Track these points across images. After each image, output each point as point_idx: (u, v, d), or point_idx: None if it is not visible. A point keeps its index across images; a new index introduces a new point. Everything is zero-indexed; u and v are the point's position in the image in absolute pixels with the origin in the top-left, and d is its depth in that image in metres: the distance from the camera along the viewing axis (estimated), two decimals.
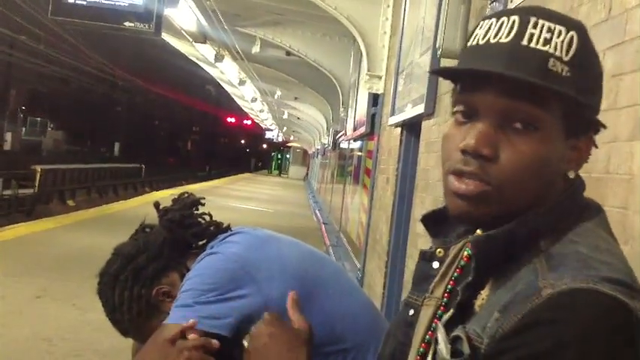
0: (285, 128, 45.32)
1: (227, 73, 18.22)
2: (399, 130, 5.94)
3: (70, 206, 19.52)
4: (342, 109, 14.11)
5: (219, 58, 14.46)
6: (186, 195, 1.83)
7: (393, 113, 6.06)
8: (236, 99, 31.36)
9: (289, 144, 58.86)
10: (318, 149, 32.07)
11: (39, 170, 20.01)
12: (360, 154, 10.85)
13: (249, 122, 63.94)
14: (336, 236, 12.39)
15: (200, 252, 1.69)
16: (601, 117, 2.16)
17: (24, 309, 5.53)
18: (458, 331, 0.88)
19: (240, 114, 56.84)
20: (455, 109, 0.94)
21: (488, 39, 0.91)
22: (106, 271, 1.70)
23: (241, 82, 19.73)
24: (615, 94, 1.99)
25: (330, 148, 20.46)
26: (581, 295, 0.81)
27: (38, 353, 4.50)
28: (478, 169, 0.89)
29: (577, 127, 0.93)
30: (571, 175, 0.95)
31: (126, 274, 1.67)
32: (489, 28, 0.92)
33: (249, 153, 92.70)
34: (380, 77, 7.35)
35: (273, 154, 66.26)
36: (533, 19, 0.89)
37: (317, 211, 19.08)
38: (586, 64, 0.91)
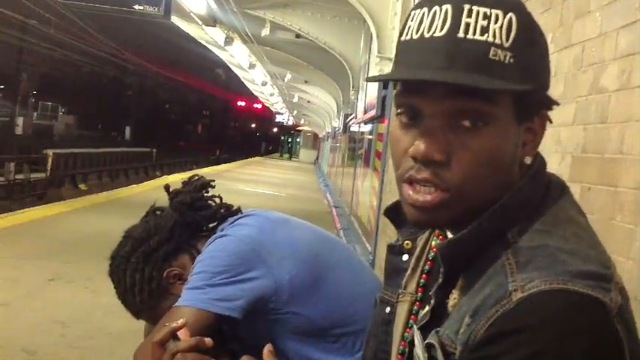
0: (295, 112, 45.28)
1: (237, 57, 18.21)
2: None
3: (81, 190, 19.63)
4: (352, 92, 14.07)
5: (228, 41, 14.45)
6: (196, 178, 1.83)
7: None
8: (246, 82, 31.34)
9: (299, 127, 58.82)
10: (328, 132, 32.03)
11: (51, 154, 20.12)
12: (370, 137, 10.82)
13: (259, 106, 63.94)
14: (347, 219, 12.39)
15: (211, 234, 1.69)
16: (614, 97, 2.14)
17: (37, 292, 5.57)
18: (431, 338, 0.87)
19: (251, 97, 56.86)
20: (398, 111, 0.90)
21: (422, 33, 0.85)
22: (118, 254, 1.70)
23: (251, 66, 19.72)
24: (629, 74, 1.97)
25: (340, 131, 20.43)
26: (553, 298, 0.78)
27: (51, 336, 4.53)
28: (432, 176, 0.85)
29: (529, 110, 0.89)
30: (527, 160, 0.91)
31: (137, 256, 1.67)
32: (421, 19, 0.86)
33: (260, 136, 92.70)
34: (391, 59, 7.30)
35: (283, 137, 66.28)
36: (466, 7, 0.84)
37: (327, 195, 19.08)
38: (529, 44, 0.86)
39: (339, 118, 21.36)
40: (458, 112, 0.85)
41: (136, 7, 10.07)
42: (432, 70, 0.84)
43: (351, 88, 14.16)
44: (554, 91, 2.57)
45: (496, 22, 0.84)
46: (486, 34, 0.83)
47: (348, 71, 13.22)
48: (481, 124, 0.85)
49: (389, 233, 6.55)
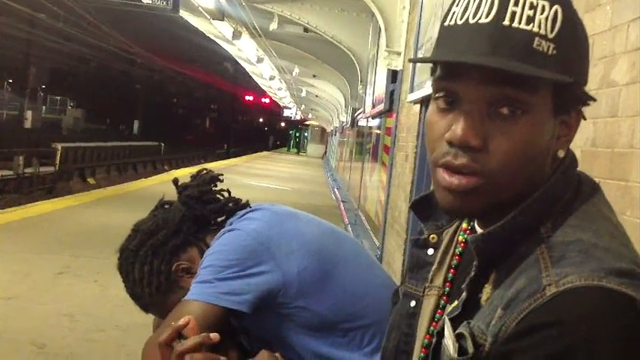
0: (303, 106, 45.26)
1: (245, 51, 18.20)
2: (418, 106, 5.90)
3: (90, 184, 19.68)
4: (360, 86, 14.05)
5: (237, 35, 14.45)
6: (204, 172, 1.83)
7: (412, 90, 6.02)
8: (254, 77, 31.34)
9: (307, 122, 58.80)
10: (336, 127, 32.01)
11: (59, 148, 20.18)
12: (378, 131, 10.80)
13: (267, 100, 63.89)
14: (355, 214, 12.39)
15: (219, 228, 1.69)
16: (624, 91, 2.13)
17: (46, 286, 5.60)
18: (462, 329, 0.87)
19: (259, 92, 56.81)
20: (436, 95, 0.90)
21: (467, 19, 0.86)
22: (126, 247, 1.71)
23: (259, 60, 19.71)
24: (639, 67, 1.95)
25: (348, 125, 20.40)
26: (587, 294, 0.78)
27: (60, 329, 4.55)
28: (469, 162, 0.85)
29: (566, 103, 0.89)
30: (561, 154, 0.91)
31: (146, 249, 1.67)
32: (467, 5, 0.87)
33: (268, 131, 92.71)
34: (399, 53, 7.29)
35: (291, 132, 66.28)
36: None
37: (335, 190, 19.08)
38: (572, 37, 0.87)
39: (347, 113, 21.34)
40: (497, 99, 0.85)
41: (145, 0, 10.08)
42: (475, 55, 0.84)
43: (359, 83, 14.13)
44: None
45: (542, 12, 0.84)
46: (532, 24, 0.84)
47: (356, 65, 13.19)
48: (520, 113, 0.85)
49: (397, 228, 6.54)
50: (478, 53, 0.84)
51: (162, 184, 12.81)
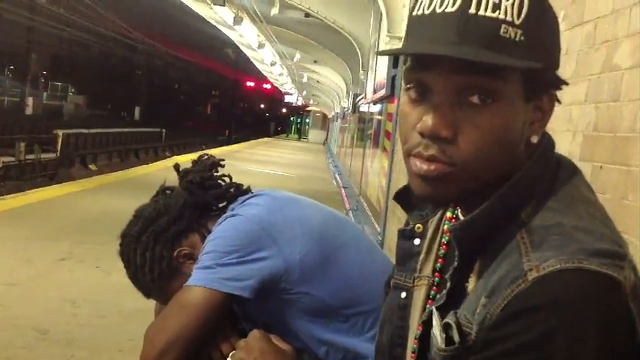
0: (304, 92, 45.20)
1: (246, 36, 18.17)
2: None
3: (92, 170, 19.68)
4: (361, 72, 14.01)
5: (237, 20, 14.41)
6: (205, 157, 1.82)
7: None
8: (255, 62, 31.28)
9: (309, 108, 58.72)
10: (337, 113, 31.97)
11: (61, 135, 20.14)
12: (379, 117, 10.78)
13: (268, 86, 63.75)
14: (356, 200, 12.39)
15: (220, 214, 1.69)
16: (626, 75, 2.11)
17: (49, 272, 5.60)
18: (448, 318, 0.87)
19: (260, 78, 56.69)
20: (407, 86, 0.90)
21: (434, 8, 0.85)
22: (128, 233, 1.70)
23: (260, 45, 19.66)
24: None
25: (349, 111, 20.37)
26: (568, 277, 0.78)
27: (63, 315, 4.56)
28: (438, 153, 0.86)
29: (537, 88, 0.89)
30: (534, 139, 0.91)
31: (147, 235, 1.67)
32: None
33: (269, 117, 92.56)
34: (400, 38, 7.25)
35: (292, 118, 66.21)
36: None
37: (337, 175, 19.08)
38: (540, 22, 0.86)
39: (348, 99, 21.30)
40: (466, 88, 0.85)
41: None
42: (442, 45, 0.84)
43: (360, 68, 14.09)
44: (566, 69, 2.55)
45: None
46: (498, 11, 0.83)
47: (358, 51, 13.16)
48: (489, 101, 0.85)
49: (398, 214, 6.55)
50: (445, 43, 0.84)
51: (163, 170, 12.81)
